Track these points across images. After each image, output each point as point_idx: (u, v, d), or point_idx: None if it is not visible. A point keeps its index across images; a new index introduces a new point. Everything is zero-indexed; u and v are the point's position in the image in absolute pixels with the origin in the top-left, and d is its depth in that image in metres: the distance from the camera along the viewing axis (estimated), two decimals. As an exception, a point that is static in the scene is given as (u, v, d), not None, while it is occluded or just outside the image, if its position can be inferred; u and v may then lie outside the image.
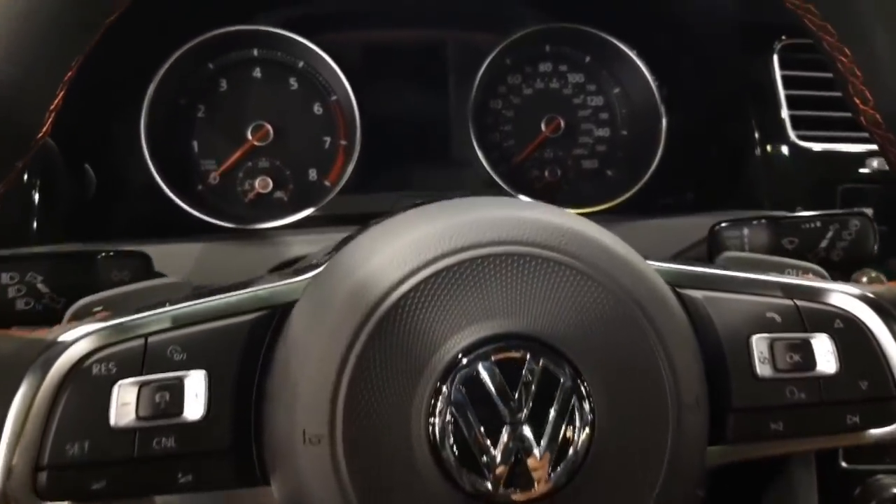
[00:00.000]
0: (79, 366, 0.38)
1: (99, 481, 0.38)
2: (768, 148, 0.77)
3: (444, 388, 0.38)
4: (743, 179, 0.79)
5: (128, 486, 0.38)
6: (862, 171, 0.77)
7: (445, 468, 0.38)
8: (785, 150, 0.77)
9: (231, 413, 0.40)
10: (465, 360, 0.39)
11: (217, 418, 0.40)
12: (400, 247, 0.40)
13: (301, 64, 0.79)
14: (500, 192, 0.76)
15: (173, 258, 0.61)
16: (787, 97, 0.77)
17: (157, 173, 0.70)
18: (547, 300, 0.40)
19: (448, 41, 0.83)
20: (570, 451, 0.39)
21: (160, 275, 0.56)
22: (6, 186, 0.38)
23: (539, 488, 0.39)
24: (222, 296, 0.42)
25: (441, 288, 0.39)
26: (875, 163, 0.77)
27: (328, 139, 0.80)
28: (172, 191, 0.71)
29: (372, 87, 0.78)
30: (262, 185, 0.78)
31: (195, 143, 0.78)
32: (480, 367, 0.38)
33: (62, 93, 0.38)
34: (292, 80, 0.80)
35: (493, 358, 0.39)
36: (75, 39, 0.37)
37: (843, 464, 0.83)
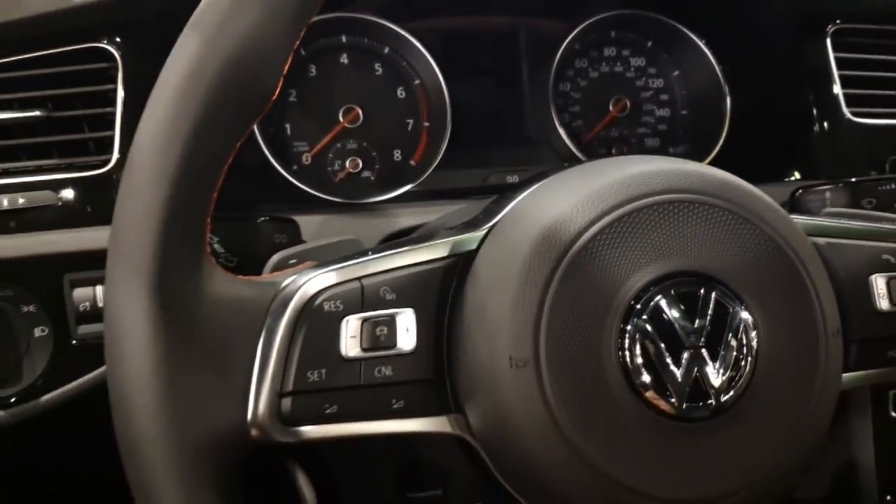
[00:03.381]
0: (311, 304, 0.42)
1: (331, 406, 0.42)
2: (825, 124, 0.83)
3: (632, 318, 0.43)
4: (801, 155, 0.85)
5: (353, 410, 0.43)
6: None
7: (635, 388, 0.43)
8: (839, 125, 0.83)
9: (434, 346, 0.45)
10: (648, 294, 0.43)
11: (424, 351, 0.44)
12: (584, 196, 0.45)
13: (386, 50, 0.83)
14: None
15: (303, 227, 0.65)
16: (840, 77, 0.83)
17: (271, 154, 0.75)
18: (716, 241, 0.45)
19: (521, 28, 0.88)
20: (740, 373, 0.44)
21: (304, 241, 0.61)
22: (237, 150, 0.42)
23: (714, 405, 0.44)
24: (418, 245, 0.46)
25: (624, 231, 0.44)
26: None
27: (411, 121, 0.84)
28: (285, 170, 0.75)
29: (453, 72, 0.83)
30: (353, 165, 0.82)
31: (287, 126, 0.82)
32: (662, 300, 0.43)
33: (290, 57, 0.42)
34: (377, 66, 0.84)
35: (672, 292, 0.44)
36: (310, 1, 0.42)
37: (893, 413, 0.89)
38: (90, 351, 0.62)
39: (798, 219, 0.51)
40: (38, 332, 0.63)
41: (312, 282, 0.43)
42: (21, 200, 0.63)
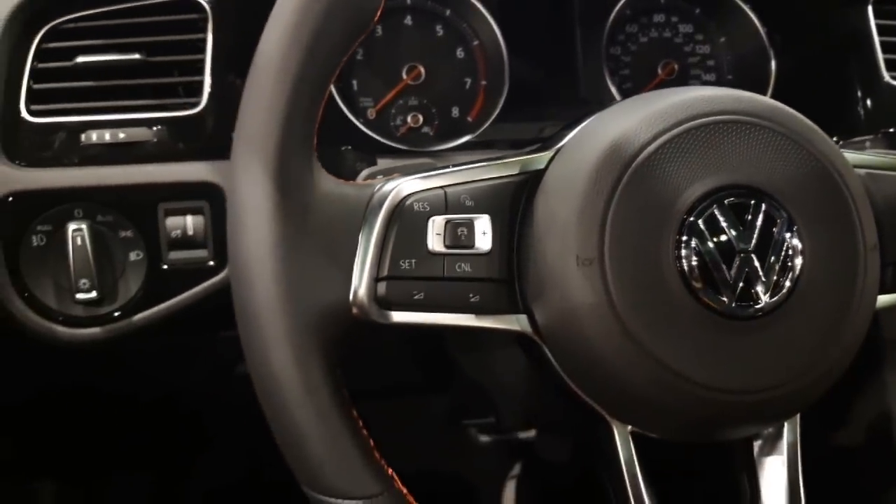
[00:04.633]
0: (402, 204, 0.48)
1: (419, 293, 0.47)
2: (865, 88, 0.87)
3: (688, 224, 0.48)
4: (843, 118, 0.88)
5: (437, 299, 0.48)
6: None
7: (690, 286, 0.48)
8: (879, 89, 0.86)
9: (507, 249, 0.50)
10: (704, 204, 0.48)
11: (498, 252, 0.50)
12: (647, 114, 0.50)
13: (448, 12, 0.88)
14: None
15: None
16: (881, 42, 0.87)
17: (344, 105, 0.81)
18: (766, 159, 0.50)
19: None
20: (786, 277, 0.49)
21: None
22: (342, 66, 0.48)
23: (761, 306, 0.48)
24: (494, 162, 0.52)
25: (683, 147, 0.49)
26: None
27: (469, 80, 0.90)
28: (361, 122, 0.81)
29: (510, 34, 0.88)
30: (414, 120, 0.88)
31: (354, 83, 0.88)
32: (716, 209, 0.48)
33: None
34: (438, 27, 0.89)
35: (725, 202, 0.48)
36: None
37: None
38: (180, 276, 0.68)
39: (844, 152, 0.56)
40: (133, 256, 0.69)
41: (403, 186, 0.49)
42: (121, 135, 0.69)
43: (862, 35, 0.87)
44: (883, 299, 0.55)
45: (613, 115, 0.52)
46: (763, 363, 0.49)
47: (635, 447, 0.53)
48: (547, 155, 0.52)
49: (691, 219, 0.48)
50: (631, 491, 0.52)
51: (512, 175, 0.51)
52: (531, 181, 0.52)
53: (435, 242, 0.48)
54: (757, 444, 0.55)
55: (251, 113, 0.46)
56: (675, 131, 0.49)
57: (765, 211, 0.49)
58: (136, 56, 0.71)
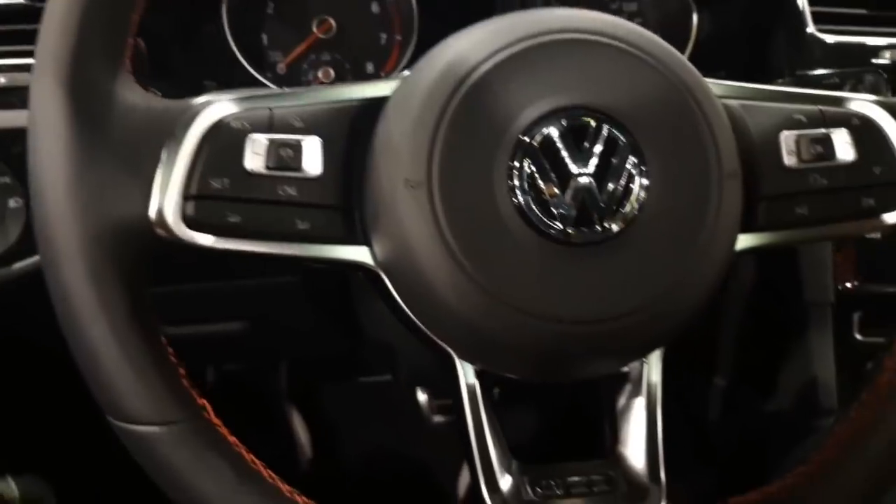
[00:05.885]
0: (220, 121, 0.46)
1: (234, 215, 0.45)
2: (790, 40, 0.84)
3: (523, 147, 0.46)
4: (766, 71, 0.86)
5: (258, 224, 0.46)
6: (874, 61, 0.84)
7: (523, 212, 0.45)
8: (803, 41, 0.84)
9: (340, 174, 0.48)
10: (540, 125, 0.46)
11: (330, 177, 0.47)
12: (484, 33, 0.47)
13: (362, -36, 0.86)
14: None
15: None
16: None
17: (247, 63, 0.79)
18: (608, 78, 0.47)
19: None
20: (627, 203, 0.46)
21: None
22: None
23: (600, 231, 0.46)
24: (335, 87, 0.50)
25: (519, 67, 0.47)
26: (888, 54, 0.84)
27: (384, 35, 0.87)
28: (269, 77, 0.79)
29: None
30: (325, 75, 0.86)
31: (264, 37, 0.86)
32: (553, 129, 0.46)
33: None
34: (352, -20, 0.87)
35: (563, 122, 0.46)
36: None
37: (858, 336, 0.90)
38: None
39: (713, 82, 0.53)
40: (12, 203, 0.67)
41: (224, 104, 0.46)
42: (2, 80, 0.67)
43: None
44: (753, 238, 0.52)
45: (457, 38, 0.50)
46: (602, 292, 0.46)
47: (484, 386, 0.50)
48: (392, 84, 0.50)
49: (526, 141, 0.46)
50: (473, 433, 0.49)
51: (351, 100, 0.49)
52: (373, 108, 0.49)
53: (253, 162, 0.46)
54: (617, 386, 0.53)
55: (47, 23, 0.45)
56: (511, 50, 0.46)
57: (606, 134, 0.46)
58: (21, 0, 0.69)
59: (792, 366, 0.89)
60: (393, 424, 1.12)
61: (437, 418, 0.98)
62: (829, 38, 0.83)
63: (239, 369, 1.15)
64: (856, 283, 0.84)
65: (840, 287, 0.85)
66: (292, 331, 0.96)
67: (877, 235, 0.56)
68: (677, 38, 0.88)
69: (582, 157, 0.46)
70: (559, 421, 0.61)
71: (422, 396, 1.01)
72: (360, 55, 0.87)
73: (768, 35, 0.85)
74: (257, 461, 0.47)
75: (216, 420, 0.47)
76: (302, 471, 1.18)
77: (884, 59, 0.85)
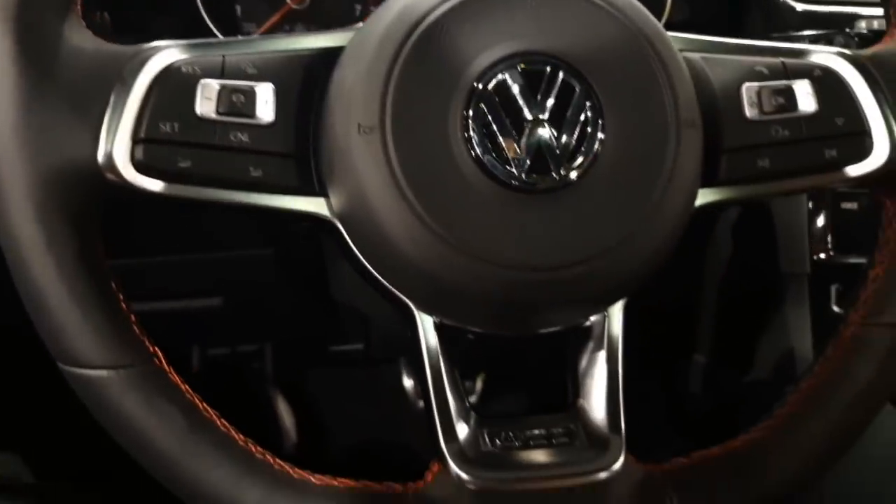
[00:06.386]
0: (170, 65, 0.45)
1: (185, 161, 0.45)
2: (764, 7, 0.84)
3: (477, 92, 0.45)
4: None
5: (209, 171, 0.45)
6: (848, 30, 0.84)
7: (478, 157, 0.45)
8: (778, 8, 0.84)
9: (294, 122, 0.47)
10: (494, 70, 0.46)
11: (283, 124, 0.47)
12: None
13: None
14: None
15: None
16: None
17: (220, 34, 0.78)
18: (567, 26, 0.47)
19: None
20: (582, 151, 0.46)
21: None
22: None
23: (555, 178, 0.46)
24: (291, 37, 0.49)
25: (472, 12, 0.46)
26: (863, 24, 0.84)
27: (359, 6, 0.87)
28: None
29: None
30: (299, 46, 0.85)
31: (238, 8, 0.85)
32: (508, 75, 0.45)
33: None
34: (329, -50, 0.87)
35: (518, 68, 0.46)
36: None
37: (836, 308, 0.89)
38: None
39: (674, 35, 0.53)
40: None
41: (175, 50, 0.46)
42: None
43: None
44: (715, 193, 0.52)
45: None
46: (558, 239, 0.46)
47: (443, 339, 0.50)
48: (348, 34, 0.50)
49: (480, 86, 0.45)
50: (432, 385, 0.49)
51: (308, 49, 0.49)
52: (329, 58, 0.49)
53: (204, 107, 0.45)
54: (578, 341, 0.53)
55: None
56: None
57: (562, 80, 0.46)
58: None
59: (769, 338, 0.89)
60: (379, 409, 1.12)
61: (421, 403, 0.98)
62: (800, 7, 0.83)
63: (224, 354, 1.15)
64: (831, 253, 0.84)
65: (815, 258, 0.85)
66: (270, 307, 0.95)
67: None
68: (652, 6, 0.88)
69: (538, 104, 0.46)
70: (520, 379, 0.60)
71: (407, 382, 1.01)
72: (335, 25, 0.86)
73: (742, 4, 0.85)
74: (211, 411, 0.47)
75: (168, 367, 0.46)
76: (288, 455, 1.18)
77: (858, 29, 0.85)
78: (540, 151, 0.45)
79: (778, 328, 0.88)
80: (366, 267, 0.50)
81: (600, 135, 0.46)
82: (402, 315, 0.51)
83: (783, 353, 0.88)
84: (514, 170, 0.45)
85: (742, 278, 0.90)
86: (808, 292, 0.88)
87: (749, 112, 0.52)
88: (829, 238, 0.86)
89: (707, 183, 0.51)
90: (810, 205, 0.85)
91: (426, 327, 0.50)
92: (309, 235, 0.74)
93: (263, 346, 0.98)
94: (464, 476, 0.47)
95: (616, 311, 0.52)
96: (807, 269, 0.86)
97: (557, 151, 0.46)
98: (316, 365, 1.04)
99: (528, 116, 0.45)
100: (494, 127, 0.45)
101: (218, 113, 0.45)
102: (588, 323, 0.52)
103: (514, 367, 0.59)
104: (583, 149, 0.46)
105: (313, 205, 0.49)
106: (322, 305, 0.80)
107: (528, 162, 0.45)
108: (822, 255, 0.84)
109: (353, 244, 0.49)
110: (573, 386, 0.53)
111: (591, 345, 0.52)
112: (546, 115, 0.46)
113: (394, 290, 0.50)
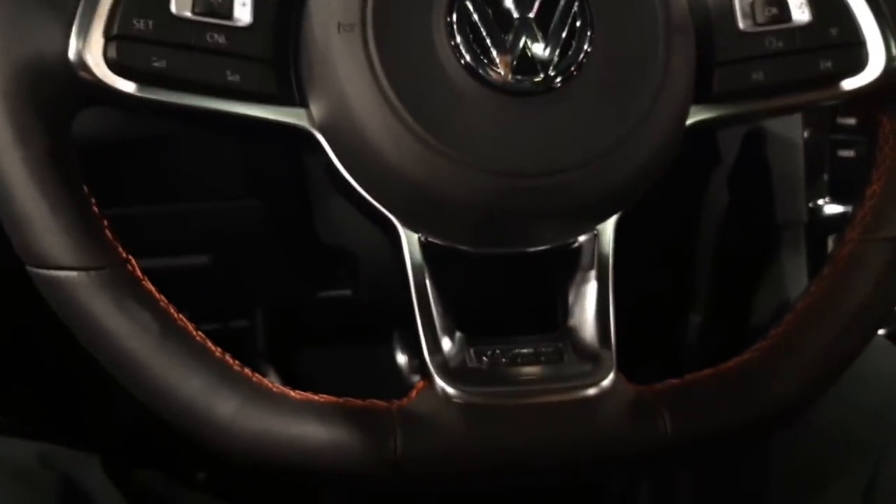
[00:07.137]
0: None
1: (160, 60, 0.43)
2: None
3: None
4: None
5: (184, 72, 0.44)
6: None
7: (462, 58, 0.44)
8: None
9: (273, 26, 0.46)
10: None
11: (262, 28, 0.46)
12: None
13: None
14: None
15: None
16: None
17: None
18: None
19: None
20: (570, 50, 0.45)
21: None
22: None
23: (543, 79, 0.44)
24: None
25: None
26: None
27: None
28: None
29: None
30: None
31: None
32: None
33: None
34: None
35: None
36: None
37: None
38: None
39: None
40: None
41: None
42: None
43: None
44: (708, 110, 0.50)
45: None
46: (545, 144, 0.45)
47: (429, 258, 0.48)
48: None
49: None
50: (417, 304, 0.47)
51: None
52: None
53: (180, 5, 0.44)
54: (568, 262, 0.51)
55: None
56: None
57: None
58: None
59: (766, 290, 0.87)
60: (372, 386, 1.10)
61: (415, 378, 0.97)
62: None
63: (216, 329, 1.14)
64: (827, 199, 0.83)
65: (812, 205, 0.84)
66: (259, 265, 0.94)
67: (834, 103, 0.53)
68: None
69: (524, 3, 0.44)
70: (508, 302, 0.59)
71: (401, 358, 1.00)
72: None
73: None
74: (186, 320, 0.46)
75: (143, 276, 0.45)
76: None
77: None
78: (526, 52, 0.44)
79: (776, 280, 0.87)
80: (349, 183, 0.48)
81: (588, 37, 0.45)
82: (388, 236, 0.49)
83: (781, 305, 0.86)
84: (501, 70, 0.44)
85: (739, 228, 0.89)
86: (805, 241, 0.86)
87: (742, 24, 0.50)
88: (827, 187, 0.85)
89: (700, 99, 0.50)
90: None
91: (412, 245, 0.48)
92: (291, 177, 0.73)
93: (249, 295, 0.96)
94: (449, 391, 0.46)
95: (607, 230, 0.50)
96: (804, 219, 0.85)
97: (545, 53, 0.44)
98: (303, 312, 1.03)
99: (515, 14, 0.44)
100: (480, 25, 0.44)
101: (194, 12, 0.44)
102: (577, 244, 0.51)
103: (501, 290, 0.58)
104: (570, 51, 0.45)
105: (293, 116, 0.47)
106: (308, 251, 0.78)
107: (515, 62, 0.44)
108: (819, 202, 0.83)
109: (336, 157, 0.48)
110: (563, 307, 0.51)
111: (581, 265, 0.51)
112: (533, 15, 0.44)
113: (377, 204, 0.48)
